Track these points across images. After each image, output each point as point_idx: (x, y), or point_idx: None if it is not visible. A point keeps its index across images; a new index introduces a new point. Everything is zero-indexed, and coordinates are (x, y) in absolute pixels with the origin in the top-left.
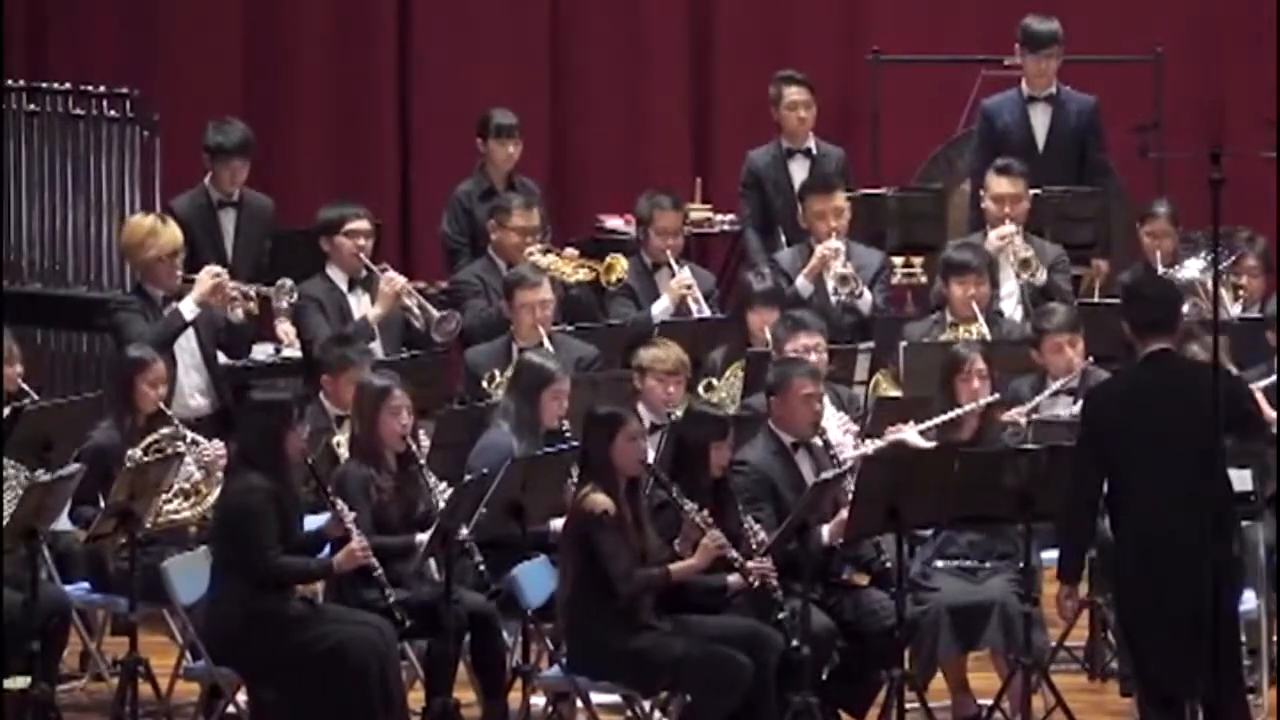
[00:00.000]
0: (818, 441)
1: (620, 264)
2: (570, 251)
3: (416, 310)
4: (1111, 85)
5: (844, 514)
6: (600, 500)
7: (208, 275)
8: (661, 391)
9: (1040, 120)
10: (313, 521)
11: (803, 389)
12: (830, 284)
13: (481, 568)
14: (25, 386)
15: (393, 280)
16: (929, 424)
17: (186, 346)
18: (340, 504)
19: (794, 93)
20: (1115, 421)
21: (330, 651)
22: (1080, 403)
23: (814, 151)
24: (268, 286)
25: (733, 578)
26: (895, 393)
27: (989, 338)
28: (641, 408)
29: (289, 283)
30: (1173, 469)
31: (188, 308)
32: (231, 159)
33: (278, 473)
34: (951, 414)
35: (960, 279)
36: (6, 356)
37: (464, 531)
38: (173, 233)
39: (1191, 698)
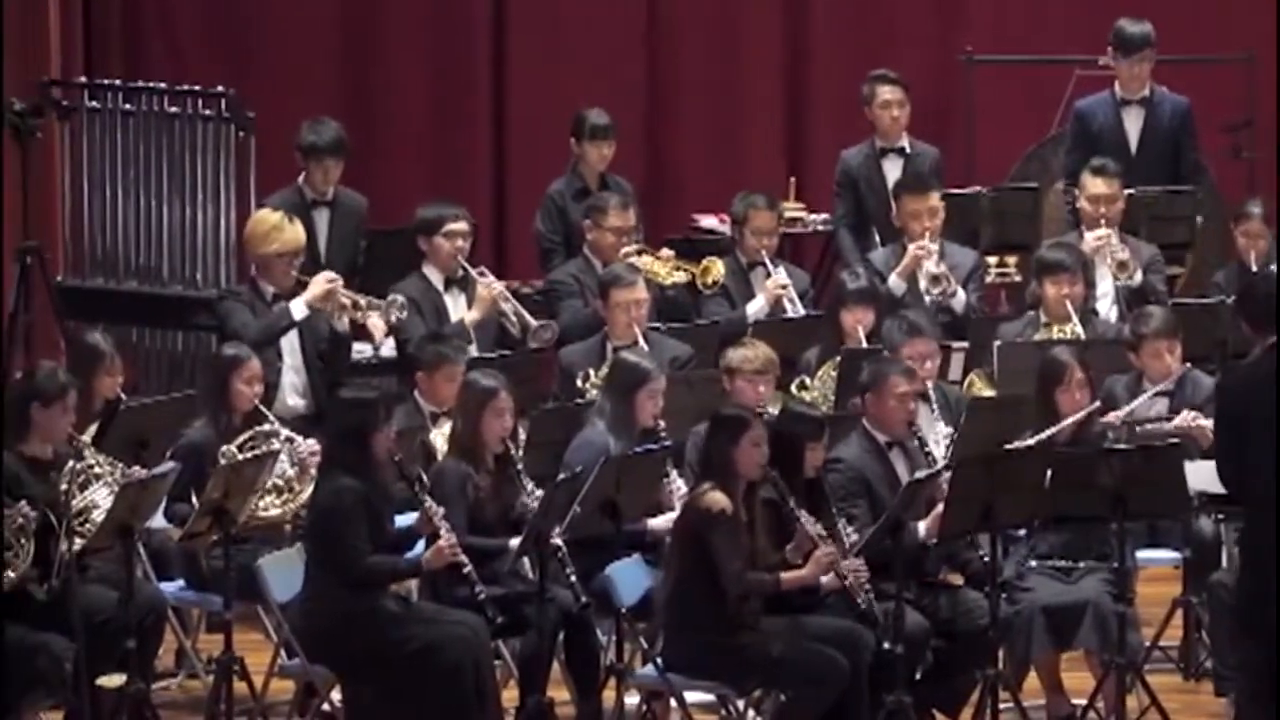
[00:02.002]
0: (912, 440)
1: (717, 267)
2: (666, 252)
3: (513, 317)
4: (1204, 85)
5: (940, 508)
6: (719, 499)
7: (323, 279)
8: (751, 391)
9: (1134, 123)
10: (407, 519)
11: (897, 387)
12: (922, 284)
13: (572, 580)
14: (122, 394)
15: (490, 285)
16: (1035, 440)
17: (289, 347)
18: (429, 501)
19: (887, 92)
20: (1244, 407)
21: (424, 650)
22: (1216, 390)
23: (907, 151)
24: (380, 299)
25: (826, 578)
26: (989, 392)
27: (1083, 337)
28: None
29: (401, 299)
30: None
31: (298, 308)
32: (325, 158)
33: (366, 472)
34: (1056, 428)
35: (1054, 279)
36: (108, 367)
37: (558, 539)
38: (296, 232)
39: None
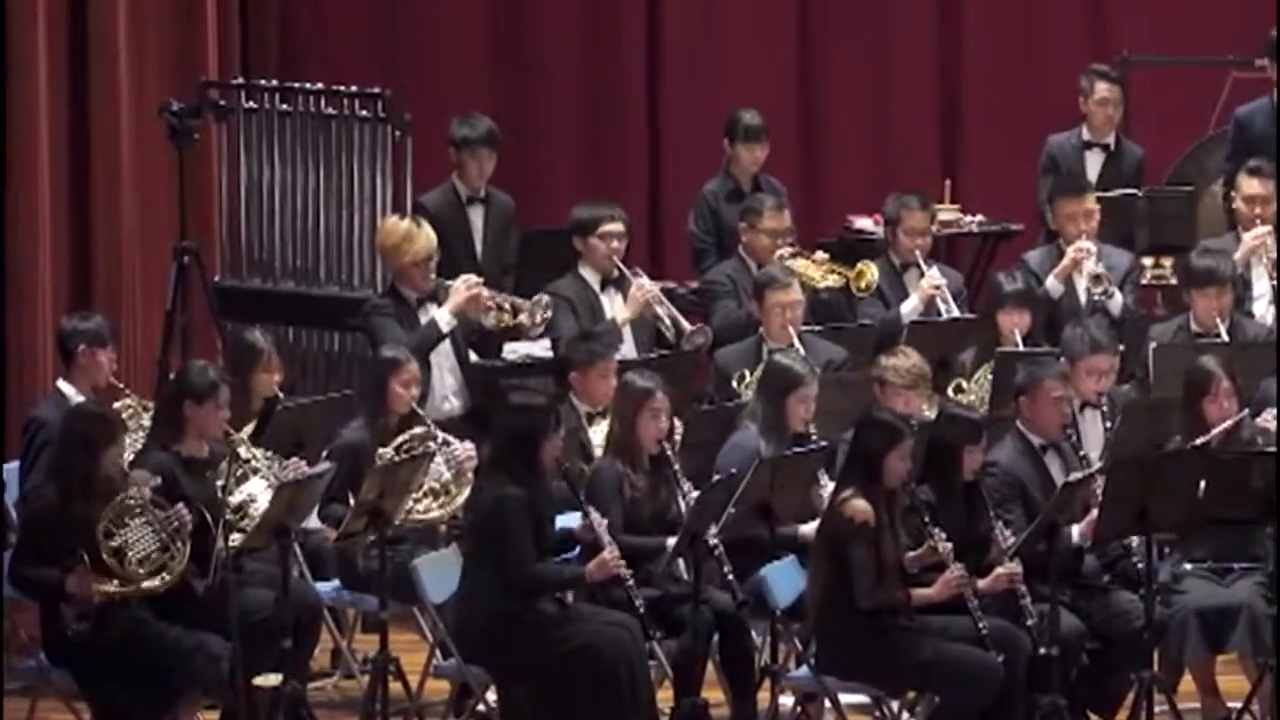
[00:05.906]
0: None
1: (870, 271)
2: (820, 255)
3: (668, 321)
4: None
5: (1094, 514)
6: (862, 510)
7: (464, 286)
8: (900, 403)
9: None
10: (564, 521)
11: (1053, 390)
12: (1083, 284)
13: (730, 577)
14: (280, 393)
15: (643, 287)
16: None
17: (441, 350)
18: (594, 513)
19: (1105, 89)
20: None
21: (579, 651)
22: None
23: (1112, 148)
24: (524, 300)
25: (981, 581)
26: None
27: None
28: None
29: (546, 299)
30: None
31: (444, 319)
32: (479, 149)
33: (531, 478)
34: (1206, 438)
35: (1202, 290)
36: (266, 364)
37: (712, 535)
38: (427, 237)
39: None
